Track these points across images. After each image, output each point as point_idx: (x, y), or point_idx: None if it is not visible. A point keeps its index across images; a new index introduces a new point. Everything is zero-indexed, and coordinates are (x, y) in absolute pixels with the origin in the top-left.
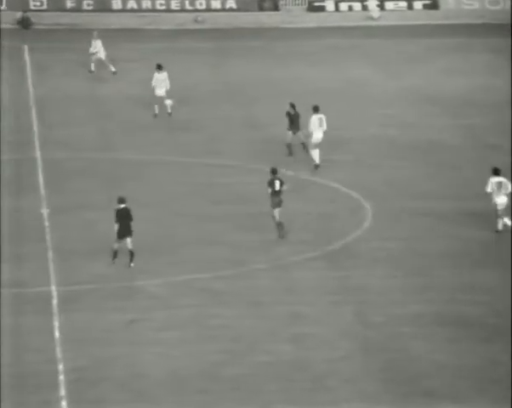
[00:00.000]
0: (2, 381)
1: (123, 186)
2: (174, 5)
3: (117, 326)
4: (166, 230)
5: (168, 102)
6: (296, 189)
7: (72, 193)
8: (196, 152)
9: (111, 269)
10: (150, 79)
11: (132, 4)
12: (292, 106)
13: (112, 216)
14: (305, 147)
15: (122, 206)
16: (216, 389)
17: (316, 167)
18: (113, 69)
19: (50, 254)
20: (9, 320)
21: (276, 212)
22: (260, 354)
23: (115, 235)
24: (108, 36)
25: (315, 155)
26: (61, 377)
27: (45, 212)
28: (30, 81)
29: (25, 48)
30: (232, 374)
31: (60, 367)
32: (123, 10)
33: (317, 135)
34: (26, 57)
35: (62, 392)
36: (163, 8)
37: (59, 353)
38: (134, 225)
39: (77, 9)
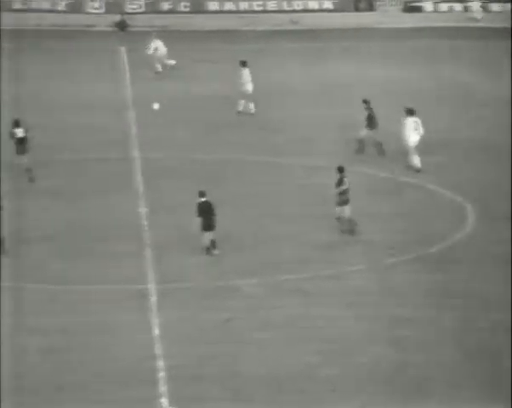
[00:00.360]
0: (103, 376)
1: (218, 186)
2: (271, 6)
3: (215, 325)
4: (259, 230)
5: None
6: (393, 191)
7: (170, 192)
8: (289, 152)
9: (207, 268)
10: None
11: (229, 6)
12: (365, 102)
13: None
14: (380, 147)
15: (203, 199)
16: (313, 390)
17: (418, 171)
18: (173, 62)
19: (148, 252)
20: (109, 317)
21: (346, 209)
22: (357, 356)
23: (198, 229)
24: (203, 37)
25: (416, 159)
26: (161, 374)
27: (143, 210)
28: (127, 82)
29: (122, 49)
30: (329, 375)
31: (160, 364)
32: (220, 12)
33: (413, 138)
34: (123, 58)
35: (162, 389)
36: (260, 9)
37: (158, 350)
38: (228, 225)
39: (174, 11)
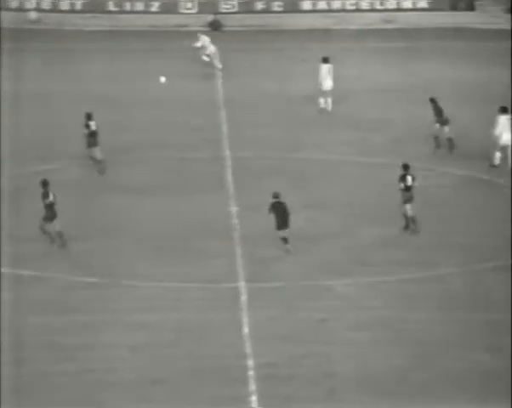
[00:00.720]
0: (194, 374)
1: (310, 186)
2: (364, 5)
3: (307, 324)
4: (350, 231)
5: (328, 99)
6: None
7: (260, 192)
8: (381, 152)
9: (298, 268)
10: (338, 78)
11: (322, 5)
12: (432, 101)
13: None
14: (451, 143)
15: (276, 200)
16: (405, 392)
17: (493, 167)
18: (219, 65)
19: (238, 251)
20: (200, 315)
21: (408, 207)
22: (452, 361)
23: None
24: (296, 36)
25: (497, 156)
26: (251, 373)
27: (234, 209)
28: (220, 81)
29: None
30: (422, 378)
31: (250, 363)
32: (313, 11)
33: (506, 136)
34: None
35: (252, 387)
36: (353, 8)
37: (248, 348)
38: (314, 225)
39: (267, 11)
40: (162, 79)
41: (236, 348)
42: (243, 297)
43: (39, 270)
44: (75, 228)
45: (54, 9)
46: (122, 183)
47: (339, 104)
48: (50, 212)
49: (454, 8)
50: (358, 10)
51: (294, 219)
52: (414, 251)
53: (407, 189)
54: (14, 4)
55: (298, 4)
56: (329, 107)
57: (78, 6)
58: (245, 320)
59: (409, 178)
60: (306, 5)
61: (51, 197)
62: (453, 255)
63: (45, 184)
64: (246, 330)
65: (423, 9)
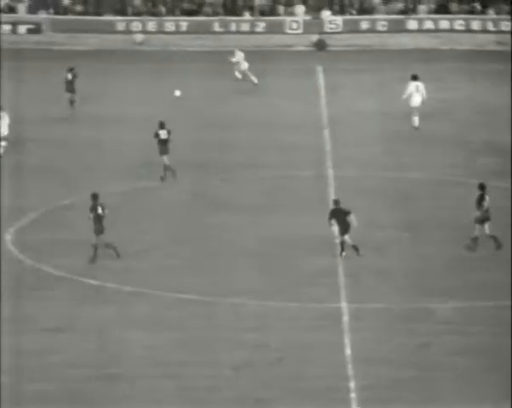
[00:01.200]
0: (297, 393)
1: (413, 206)
2: (475, 25)
3: (407, 348)
4: (447, 254)
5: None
6: None
7: (362, 211)
8: (489, 174)
9: (400, 289)
10: (444, 100)
11: (429, 25)
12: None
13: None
14: None
15: (336, 207)
16: None
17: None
18: (255, 80)
19: (341, 270)
20: (303, 335)
21: (486, 226)
22: None
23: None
24: (400, 56)
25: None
26: (352, 395)
27: (336, 229)
28: (323, 100)
29: (320, 68)
30: None
31: (352, 385)
32: (419, 31)
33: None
34: (320, 77)
35: None
36: (462, 28)
37: (350, 370)
38: (422, 246)
39: (372, 30)
40: (177, 93)
41: (338, 369)
42: (345, 318)
43: (141, 286)
44: (173, 244)
45: (160, 31)
46: (225, 201)
47: (443, 122)
48: (97, 226)
49: None
50: (469, 31)
51: (394, 240)
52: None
53: (483, 209)
54: (120, 27)
55: (403, 23)
56: (416, 123)
57: (183, 27)
58: (347, 341)
59: (487, 198)
60: (412, 25)
61: (99, 211)
62: None
63: (95, 197)
64: (348, 351)
65: None
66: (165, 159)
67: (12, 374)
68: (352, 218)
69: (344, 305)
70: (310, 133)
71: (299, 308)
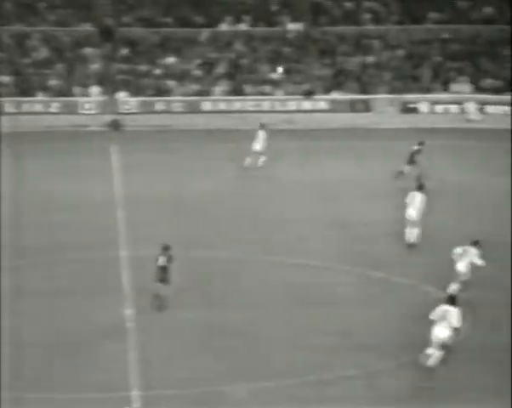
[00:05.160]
0: None
1: (212, 284)
2: (265, 106)
3: None
4: (258, 332)
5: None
6: None
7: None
8: (282, 251)
9: (195, 373)
10: (238, 178)
11: (222, 106)
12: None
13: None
14: None
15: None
16: None
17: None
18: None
19: (133, 356)
20: None
21: None
22: None
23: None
24: (196, 136)
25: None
26: None
27: (129, 312)
28: (118, 180)
29: (115, 148)
30: None
31: None
32: (213, 111)
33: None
34: (115, 157)
35: None
36: (254, 108)
37: None
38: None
39: (167, 111)
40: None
41: None
42: (135, 406)
43: None
44: None
45: None
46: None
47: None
48: (159, 275)
49: (353, 109)
50: (259, 111)
51: (198, 318)
52: (312, 352)
53: None
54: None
55: (198, 104)
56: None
57: None
58: None
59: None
60: (206, 106)
61: (160, 261)
62: (349, 357)
63: (166, 248)
64: None
65: (323, 111)
66: None
67: None
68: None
69: (134, 392)
70: (104, 212)
71: (87, 400)
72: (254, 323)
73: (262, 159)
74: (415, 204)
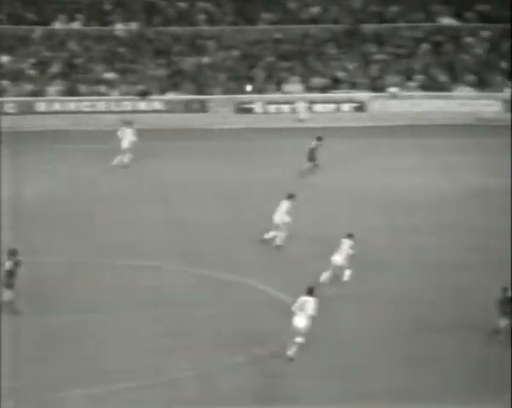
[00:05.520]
0: None
1: (45, 288)
2: (100, 107)
3: None
4: (94, 336)
5: None
6: None
7: None
8: (118, 253)
9: (31, 380)
10: (71, 179)
11: (57, 106)
12: None
13: None
14: None
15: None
16: None
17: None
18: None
19: None
20: None
21: None
22: None
23: None
24: (32, 137)
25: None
26: None
27: None
28: None
29: None
30: None
31: None
32: (48, 112)
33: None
34: None
35: None
36: (89, 109)
37: None
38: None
39: (1, 112)
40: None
41: None
42: None
43: None
44: None
45: None
46: None
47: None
48: (5, 280)
49: (188, 109)
50: (95, 112)
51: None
52: (150, 355)
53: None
54: None
55: (32, 105)
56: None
57: None
58: None
59: None
60: (41, 106)
61: (6, 265)
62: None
63: (12, 253)
64: None
65: (158, 111)
66: None
67: None
68: None
69: None
70: None
71: None
72: (90, 326)
73: (128, 157)
74: (281, 209)
